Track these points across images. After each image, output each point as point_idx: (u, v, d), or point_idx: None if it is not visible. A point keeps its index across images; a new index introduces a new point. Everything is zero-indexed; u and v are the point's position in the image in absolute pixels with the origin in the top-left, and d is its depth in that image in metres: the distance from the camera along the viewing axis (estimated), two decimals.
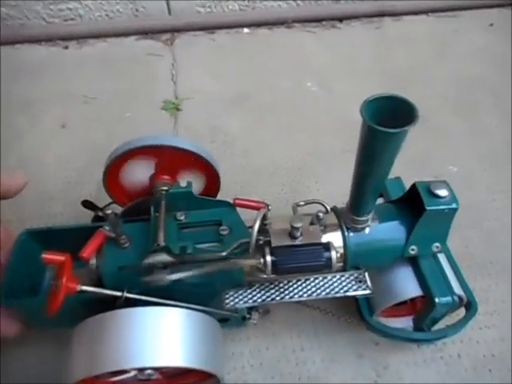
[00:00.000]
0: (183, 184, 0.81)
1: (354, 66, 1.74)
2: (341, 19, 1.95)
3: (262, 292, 0.81)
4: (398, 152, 0.63)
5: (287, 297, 0.80)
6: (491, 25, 1.89)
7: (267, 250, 0.72)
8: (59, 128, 1.49)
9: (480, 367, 0.94)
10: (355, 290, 0.80)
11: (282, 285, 0.81)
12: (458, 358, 0.95)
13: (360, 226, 0.80)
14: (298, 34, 1.92)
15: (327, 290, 0.80)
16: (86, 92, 1.61)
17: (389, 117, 0.59)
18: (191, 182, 0.81)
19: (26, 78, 1.67)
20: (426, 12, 1.96)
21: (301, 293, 0.80)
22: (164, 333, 0.71)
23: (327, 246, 0.73)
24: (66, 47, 1.82)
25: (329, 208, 0.81)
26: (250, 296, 0.80)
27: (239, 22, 1.93)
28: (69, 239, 0.81)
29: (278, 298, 0.80)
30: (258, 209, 0.81)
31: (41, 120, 1.50)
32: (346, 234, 0.80)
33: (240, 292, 0.81)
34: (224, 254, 0.73)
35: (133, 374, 0.79)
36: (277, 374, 0.94)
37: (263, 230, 0.78)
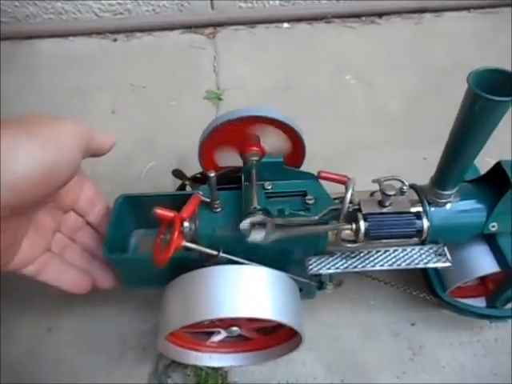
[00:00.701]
0: (273, 155, 0.85)
1: (393, 61, 1.76)
2: (380, 15, 1.96)
3: (344, 260, 0.84)
4: (497, 125, 0.66)
5: (369, 265, 0.83)
6: None
7: (360, 216, 0.76)
8: (109, 113, 1.58)
9: None
10: (435, 263, 0.82)
11: (362, 255, 0.85)
12: (495, 342, 0.98)
13: (443, 201, 0.82)
14: (337, 29, 1.93)
15: (407, 261, 0.83)
16: (133, 82, 1.70)
17: (493, 90, 0.61)
18: (282, 153, 0.84)
19: (78, 68, 1.77)
20: (467, 8, 1.94)
21: (382, 262, 0.83)
22: (257, 288, 0.78)
23: (419, 215, 0.77)
24: (115, 40, 1.91)
25: (407, 184, 0.85)
26: (332, 263, 0.84)
27: (279, 17, 1.96)
28: (156, 205, 0.84)
29: (360, 267, 0.83)
30: (340, 182, 0.85)
31: (92, 106, 1.60)
32: (428, 208, 0.83)
33: (322, 259, 0.85)
34: (316, 218, 0.77)
35: (222, 335, 0.84)
36: (314, 348, 0.98)
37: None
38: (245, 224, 0.76)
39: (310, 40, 1.88)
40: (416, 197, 0.85)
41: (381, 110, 1.55)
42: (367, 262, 0.84)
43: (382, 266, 0.83)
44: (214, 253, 0.79)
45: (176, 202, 0.90)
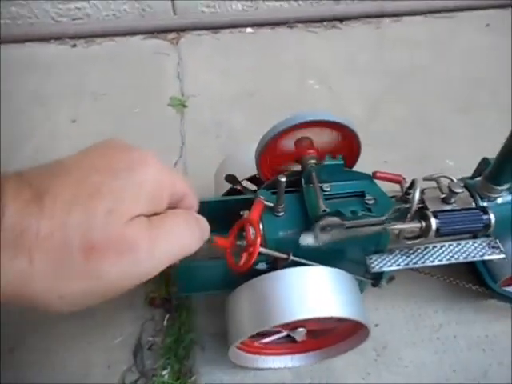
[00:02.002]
0: (333, 158, 0.87)
1: (354, 64, 1.80)
2: (341, 19, 2.01)
3: (404, 257, 0.87)
4: None
5: (428, 261, 0.86)
6: (487, 25, 1.95)
7: (430, 214, 0.78)
8: (70, 123, 1.54)
9: (474, 347, 1.00)
10: (490, 255, 0.86)
11: (419, 251, 0.87)
12: (454, 338, 1.02)
13: (494, 196, 0.86)
14: (299, 33, 1.97)
15: (464, 255, 0.86)
16: (94, 89, 1.66)
17: None
18: (342, 155, 0.86)
19: (36, 75, 1.72)
20: (424, 13, 2.02)
21: (440, 257, 0.86)
22: (330, 288, 0.80)
23: (485, 210, 0.80)
24: (74, 45, 1.86)
25: (455, 180, 0.88)
26: (393, 260, 0.87)
27: (243, 22, 1.97)
28: (205, 211, 0.85)
29: (420, 263, 0.86)
30: (395, 181, 0.89)
31: (52, 115, 1.56)
32: (480, 202, 0.86)
33: (383, 257, 0.87)
34: (384, 218, 0.79)
35: (284, 333, 0.86)
36: None
37: (405, 198, 0.85)
38: (317, 227, 0.78)
39: (273, 45, 1.90)
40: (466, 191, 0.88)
41: (343, 113, 1.52)
42: (426, 257, 0.87)
43: (440, 260, 0.86)
44: (285, 256, 0.80)
45: (225, 206, 0.93)
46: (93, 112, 1.56)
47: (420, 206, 0.81)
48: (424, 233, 0.79)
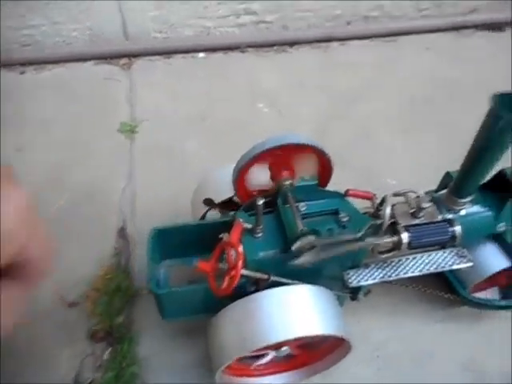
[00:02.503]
0: (307, 178, 0.90)
1: (303, 87, 1.83)
2: (291, 44, 2.05)
3: (380, 270, 0.91)
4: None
5: (402, 273, 0.90)
6: (428, 48, 2.04)
7: (402, 229, 0.83)
8: (14, 151, 1.49)
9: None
10: (459, 264, 0.91)
11: (393, 263, 0.91)
12: (394, 355, 1.06)
13: (459, 208, 0.91)
14: (251, 58, 1.99)
15: (435, 266, 0.91)
16: (42, 116, 1.62)
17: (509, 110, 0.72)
18: (315, 175, 0.89)
19: None
20: (369, 37, 2.09)
21: (412, 269, 0.90)
22: (311, 306, 0.82)
23: (451, 222, 0.85)
24: (23, 72, 1.81)
25: (423, 195, 0.93)
26: (369, 275, 0.90)
27: (195, 47, 1.98)
28: (183, 234, 0.95)
29: (394, 275, 0.90)
30: (367, 198, 0.92)
31: None
32: (447, 215, 0.91)
33: (360, 272, 0.91)
34: (359, 234, 0.83)
35: (270, 356, 0.86)
36: None
37: (377, 214, 0.89)
38: (296, 246, 0.80)
39: (225, 69, 1.91)
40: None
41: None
42: (400, 269, 0.91)
43: (413, 272, 0.90)
44: (265, 277, 0.82)
45: (203, 230, 0.94)
46: (40, 140, 1.52)
47: (391, 221, 0.85)
48: (396, 246, 0.84)
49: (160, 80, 1.84)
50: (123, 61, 1.91)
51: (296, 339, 0.80)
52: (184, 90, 1.79)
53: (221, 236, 0.87)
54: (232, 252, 0.79)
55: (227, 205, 0.99)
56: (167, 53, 1.96)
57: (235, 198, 0.98)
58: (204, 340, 0.95)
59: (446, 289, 1.04)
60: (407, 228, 0.84)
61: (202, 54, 1.99)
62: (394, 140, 1.57)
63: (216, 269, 0.79)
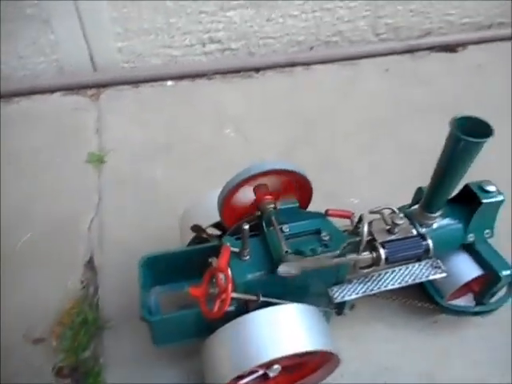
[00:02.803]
0: (289, 201, 0.96)
1: (269, 111, 1.87)
2: (257, 69, 2.11)
3: (362, 285, 0.96)
4: (474, 159, 0.84)
5: (383, 286, 0.95)
6: (387, 70, 2.14)
7: (379, 245, 0.89)
8: None
9: None
10: (434, 275, 0.97)
11: (374, 278, 0.97)
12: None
13: (431, 222, 0.98)
14: (218, 84, 2.04)
15: (413, 277, 0.96)
16: (8, 149, 1.62)
17: (468, 133, 0.79)
18: (296, 198, 0.95)
19: None
20: (331, 61, 2.18)
21: (392, 282, 0.96)
22: (299, 324, 0.86)
23: (424, 236, 0.92)
24: None
25: (397, 211, 0.99)
26: (352, 289, 0.95)
27: (163, 76, 2.02)
28: (174, 261, 0.98)
29: (376, 289, 0.95)
30: (346, 216, 0.98)
31: None
32: (420, 229, 0.97)
33: (343, 287, 0.95)
34: (338, 252, 0.88)
35: (261, 372, 0.90)
36: None
37: (356, 232, 0.95)
38: (283, 267, 0.84)
39: (193, 96, 1.95)
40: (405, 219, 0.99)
41: (256, 158, 1.50)
42: (380, 283, 0.96)
43: (393, 284, 0.96)
44: (254, 298, 0.86)
45: (191, 255, 0.98)
46: (7, 173, 1.51)
47: (369, 238, 0.91)
48: (375, 262, 0.89)
49: (128, 109, 1.86)
50: (91, 91, 1.94)
51: (286, 357, 0.82)
52: (152, 118, 1.81)
53: (210, 260, 0.90)
54: (221, 276, 0.82)
55: (216, 228, 1.03)
56: (135, 82, 2.00)
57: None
58: (172, 372, 1.00)
59: (425, 299, 1.10)
60: (383, 244, 0.90)
61: (170, 82, 2.03)
62: (355, 161, 1.62)
63: (207, 293, 0.82)
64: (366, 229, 0.88)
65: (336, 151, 1.63)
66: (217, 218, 1.02)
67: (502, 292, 1.08)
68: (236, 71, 2.09)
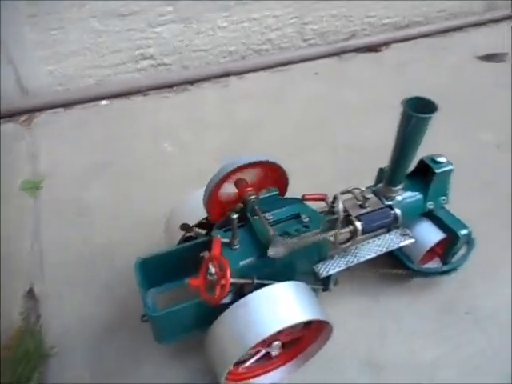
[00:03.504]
0: (269, 190, 1.04)
1: (205, 122, 1.92)
2: (191, 82, 2.16)
3: (343, 259, 1.05)
4: (425, 134, 0.96)
5: (361, 257, 1.05)
6: (316, 73, 2.26)
7: (354, 219, 0.99)
8: None
9: None
10: (404, 241, 1.09)
11: (352, 251, 1.07)
12: None
13: (395, 195, 1.09)
14: (153, 100, 2.06)
15: (386, 246, 1.08)
16: None
17: (417, 111, 0.91)
18: (276, 187, 1.04)
19: None
20: (263, 68, 2.28)
21: (369, 252, 1.06)
22: (293, 298, 0.94)
23: (391, 207, 1.03)
24: None
25: (365, 189, 1.08)
26: (335, 264, 1.05)
27: (97, 95, 2.03)
28: (167, 262, 1.03)
29: (355, 260, 1.05)
30: (321, 199, 1.07)
31: None
32: (386, 202, 1.08)
33: (327, 263, 1.05)
34: (319, 229, 0.97)
35: (263, 352, 0.98)
36: None
37: (331, 211, 1.04)
38: (272, 249, 0.91)
39: (128, 114, 1.96)
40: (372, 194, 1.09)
41: (196, 170, 1.56)
42: (359, 255, 1.06)
43: (369, 255, 1.06)
44: (250, 281, 0.93)
45: (183, 253, 1.05)
46: None
47: (345, 214, 1.00)
48: (353, 234, 0.99)
49: (63, 132, 1.85)
50: (23, 117, 1.91)
51: (285, 330, 0.90)
52: (88, 140, 1.80)
53: (202, 255, 0.97)
54: (217, 265, 0.88)
55: (202, 227, 1.08)
56: (69, 104, 1.99)
57: (207, 220, 1.08)
58: None
59: (398, 266, 1.21)
60: (358, 217, 1.00)
61: (104, 102, 2.04)
62: (291, 163, 1.58)
63: (206, 282, 0.88)
64: (341, 206, 0.97)
65: (273, 155, 1.65)
66: (201, 216, 1.09)
67: (462, 251, 1.21)
68: (171, 86, 2.14)
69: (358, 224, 0.98)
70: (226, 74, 2.20)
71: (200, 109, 1.99)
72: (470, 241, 1.21)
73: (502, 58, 2.27)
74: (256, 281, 0.93)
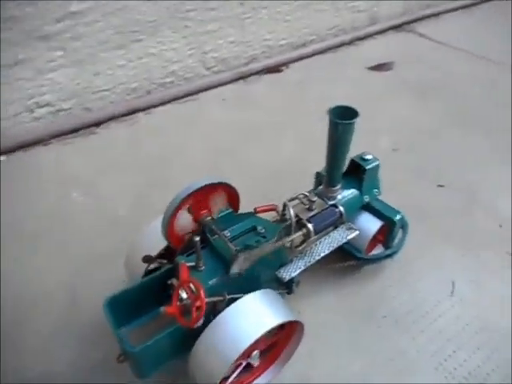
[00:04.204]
0: (223, 209, 1.11)
1: (117, 164, 1.82)
2: (97, 124, 2.06)
3: (301, 261, 1.14)
4: (352, 137, 1.09)
5: (317, 256, 1.15)
6: (224, 99, 2.33)
7: (305, 222, 1.08)
8: None
9: None
10: (350, 235, 1.20)
11: (308, 252, 1.16)
12: None
13: (335, 194, 1.21)
14: (57, 148, 1.92)
15: (336, 241, 1.18)
16: None
17: (341, 117, 1.04)
18: (228, 205, 1.10)
19: None
20: (170, 101, 2.29)
21: (323, 249, 1.16)
22: (264, 306, 1.00)
23: (336, 205, 1.15)
24: None
25: (308, 194, 1.17)
26: (295, 266, 1.13)
27: None
28: (135, 295, 1.05)
29: (312, 260, 1.14)
30: (272, 209, 1.16)
31: None
32: (329, 202, 1.20)
33: (287, 267, 1.13)
34: (275, 238, 1.05)
35: (244, 364, 1.03)
36: None
37: (283, 219, 1.13)
38: (236, 266, 0.99)
39: (28, 168, 1.82)
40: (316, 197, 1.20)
41: (110, 215, 1.56)
42: (314, 254, 1.15)
43: (324, 252, 1.16)
44: (221, 298, 0.98)
45: (152, 284, 1.07)
46: None
47: (296, 219, 1.09)
48: (306, 236, 1.08)
49: None
50: None
51: (262, 336, 0.95)
52: None
53: (169, 282, 1.01)
54: (188, 288, 0.92)
55: (162, 257, 1.12)
56: None
57: (167, 248, 1.11)
58: None
59: (348, 259, 1.33)
60: (309, 220, 1.09)
61: (2, 158, 1.89)
62: None
63: (181, 307, 0.91)
64: (292, 211, 1.06)
65: (187, 182, 1.53)
66: (160, 246, 1.11)
67: (399, 234, 1.36)
68: (75, 130, 2.04)
69: (310, 226, 1.08)
70: (133, 112, 2.17)
71: (110, 151, 1.91)
72: (404, 224, 1.35)
73: (389, 67, 2.53)
74: (228, 296, 0.98)
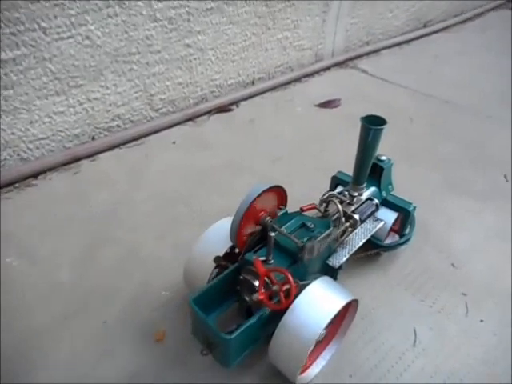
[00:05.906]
0: (281, 209, 1.25)
1: (58, 220, 1.68)
2: (35, 175, 1.89)
3: (345, 249, 1.30)
4: (379, 142, 1.28)
5: (356, 245, 1.32)
6: (174, 142, 2.18)
7: (351, 214, 1.28)
8: None
9: None
10: (378, 225, 1.39)
11: (349, 242, 1.32)
12: None
13: (363, 192, 1.40)
14: None
15: (368, 232, 1.36)
16: None
17: (372, 124, 1.24)
18: (284, 207, 1.25)
19: None
20: (117, 145, 2.13)
21: (360, 239, 1.34)
22: (332, 288, 1.15)
23: (372, 199, 1.35)
24: None
25: (337, 193, 1.36)
26: (342, 254, 1.29)
27: None
28: (218, 288, 1.16)
29: (354, 248, 1.31)
30: (314, 208, 1.33)
31: None
32: (361, 197, 1.39)
33: (335, 256, 1.29)
34: (330, 229, 1.22)
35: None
36: None
37: (326, 215, 1.32)
38: (306, 252, 1.14)
39: None
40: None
41: (50, 282, 1.45)
42: (354, 243, 1.33)
43: (361, 240, 1.34)
44: (308, 282, 1.13)
45: (228, 279, 1.19)
46: None
47: (341, 212, 1.28)
48: (353, 226, 1.27)
49: None
50: None
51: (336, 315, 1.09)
52: None
53: (241, 277, 1.14)
54: (271, 276, 1.06)
55: (228, 257, 1.24)
56: None
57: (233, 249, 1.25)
58: None
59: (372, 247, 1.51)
60: (354, 212, 1.29)
61: None
62: (149, 239, 1.62)
63: (270, 293, 1.05)
64: (340, 206, 1.27)
65: (138, 240, 1.61)
66: (224, 249, 1.24)
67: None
68: (10, 184, 1.86)
69: (357, 216, 1.27)
70: (76, 159, 2.01)
71: (50, 204, 1.76)
72: (412, 218, 1.57)
73: (336, 104, 2.66)
74: (304, 282, 1.13)
